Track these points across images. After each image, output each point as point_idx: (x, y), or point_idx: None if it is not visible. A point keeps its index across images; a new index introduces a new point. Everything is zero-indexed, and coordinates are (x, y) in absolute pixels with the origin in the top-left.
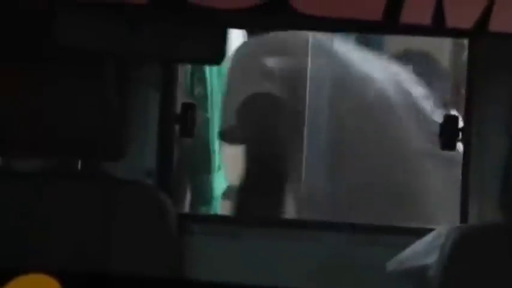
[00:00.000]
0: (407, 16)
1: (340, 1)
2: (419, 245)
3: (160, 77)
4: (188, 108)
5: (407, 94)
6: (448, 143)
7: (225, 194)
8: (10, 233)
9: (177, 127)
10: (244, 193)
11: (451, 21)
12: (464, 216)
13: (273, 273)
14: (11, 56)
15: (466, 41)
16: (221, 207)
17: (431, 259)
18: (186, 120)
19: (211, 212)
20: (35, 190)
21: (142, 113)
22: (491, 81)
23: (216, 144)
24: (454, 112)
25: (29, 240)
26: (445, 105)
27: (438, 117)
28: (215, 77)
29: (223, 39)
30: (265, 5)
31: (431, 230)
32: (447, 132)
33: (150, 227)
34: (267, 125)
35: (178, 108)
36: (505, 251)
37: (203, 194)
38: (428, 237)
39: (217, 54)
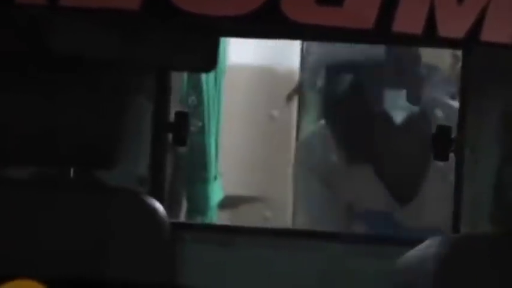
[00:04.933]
0: (399, 26)
1: (332, 10)
2: (412, 255)
3: (154, 85)
4: (181, 116)
5: None
6: (440, 154)
7: (222, 204)
8: (1, 240)
9: (170, 136)
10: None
11: (442, 31)
12: (456, 226)
13: (266, 282)
14: (2, 66)
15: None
16: (217, 216)
17: (424, 269)
18: (179, 129)
19: (207, 222)
20: (28, 198)
21: (136, 121)
22: (484, 91)
23: (213, 153)
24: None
25: (20, 248)
26: None
27: None
28: (211, 85)
29: (215, 48)
30: (257, 13)
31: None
32: (440, 143)
33: (142, 234)
34: None
35: (171, 117)
36: (496, 262)
37: (199, 203)
38: (420, 247)
39: (209, 62)
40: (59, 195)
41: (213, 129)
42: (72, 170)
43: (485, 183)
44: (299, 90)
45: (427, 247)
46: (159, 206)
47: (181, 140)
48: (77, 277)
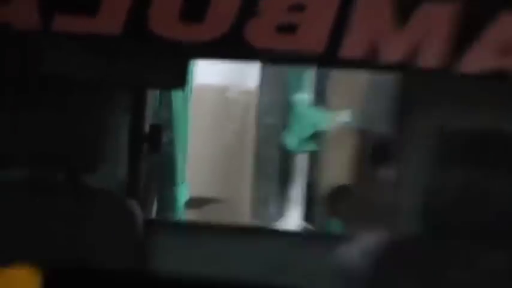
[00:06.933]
0: (345, 51)
1: (288, 36)
2: (347, 250)
3: (131, 101)
4: (156, 129)
5: None
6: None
7: (187, 204)
8: None
9: (146, 145)
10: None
11: (384, 56)
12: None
13: (228, 271)
14: None
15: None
16: (184, 214)
17: (360, 264)
18: (153, 140)
19: (175, 219)
20: (15, 197)
21: (116, 132)
22: (420, 111)
23: (181, 161)
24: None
25: (9, 241)
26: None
27: None
28: (180, 101)
29: (185, 68)
30: (223, 38)
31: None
32: (378, 158)
33: (120, 229)
34: None
35: (146, 129)
36: (426, 264)
37: (168, 203)
38: (354, 244)
39: (181, 81)
40: (45, 194)
41: (181, 140)
42: (57, 174)
43: (418, 192)
44: None
45: (360, 245)
46: (134, 204)
47: (155, 149)
48: (65, 264)
